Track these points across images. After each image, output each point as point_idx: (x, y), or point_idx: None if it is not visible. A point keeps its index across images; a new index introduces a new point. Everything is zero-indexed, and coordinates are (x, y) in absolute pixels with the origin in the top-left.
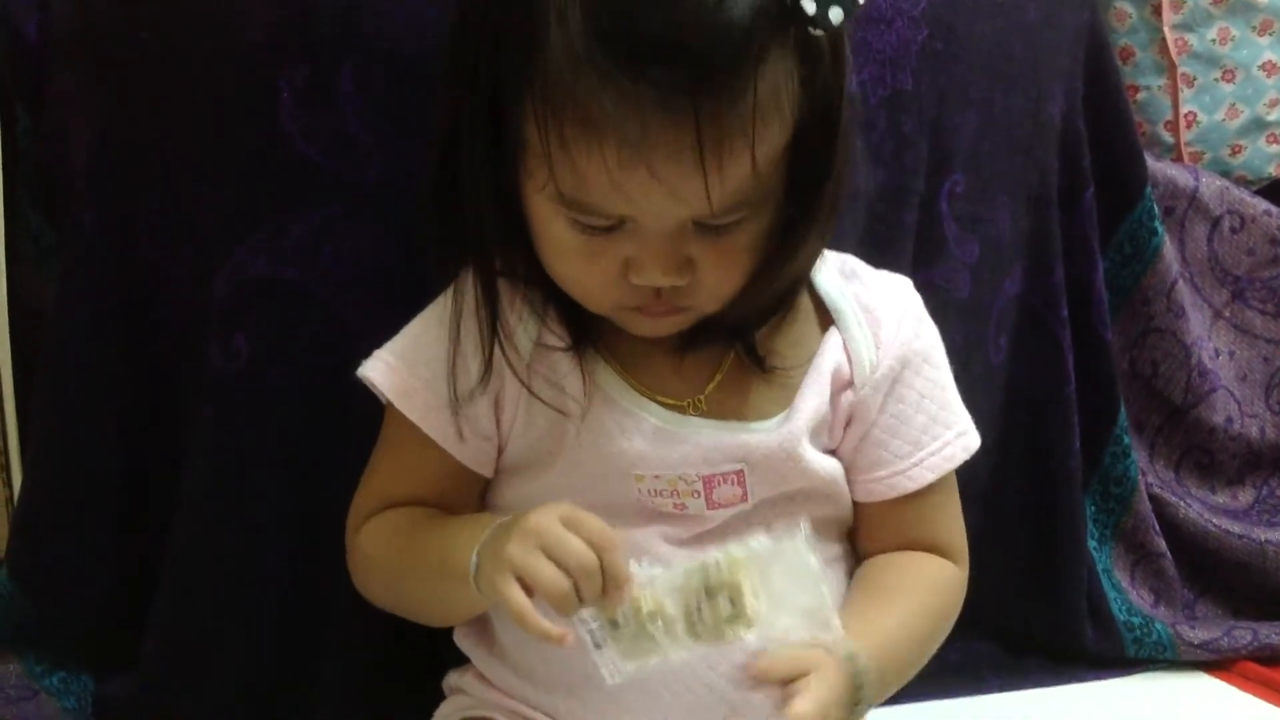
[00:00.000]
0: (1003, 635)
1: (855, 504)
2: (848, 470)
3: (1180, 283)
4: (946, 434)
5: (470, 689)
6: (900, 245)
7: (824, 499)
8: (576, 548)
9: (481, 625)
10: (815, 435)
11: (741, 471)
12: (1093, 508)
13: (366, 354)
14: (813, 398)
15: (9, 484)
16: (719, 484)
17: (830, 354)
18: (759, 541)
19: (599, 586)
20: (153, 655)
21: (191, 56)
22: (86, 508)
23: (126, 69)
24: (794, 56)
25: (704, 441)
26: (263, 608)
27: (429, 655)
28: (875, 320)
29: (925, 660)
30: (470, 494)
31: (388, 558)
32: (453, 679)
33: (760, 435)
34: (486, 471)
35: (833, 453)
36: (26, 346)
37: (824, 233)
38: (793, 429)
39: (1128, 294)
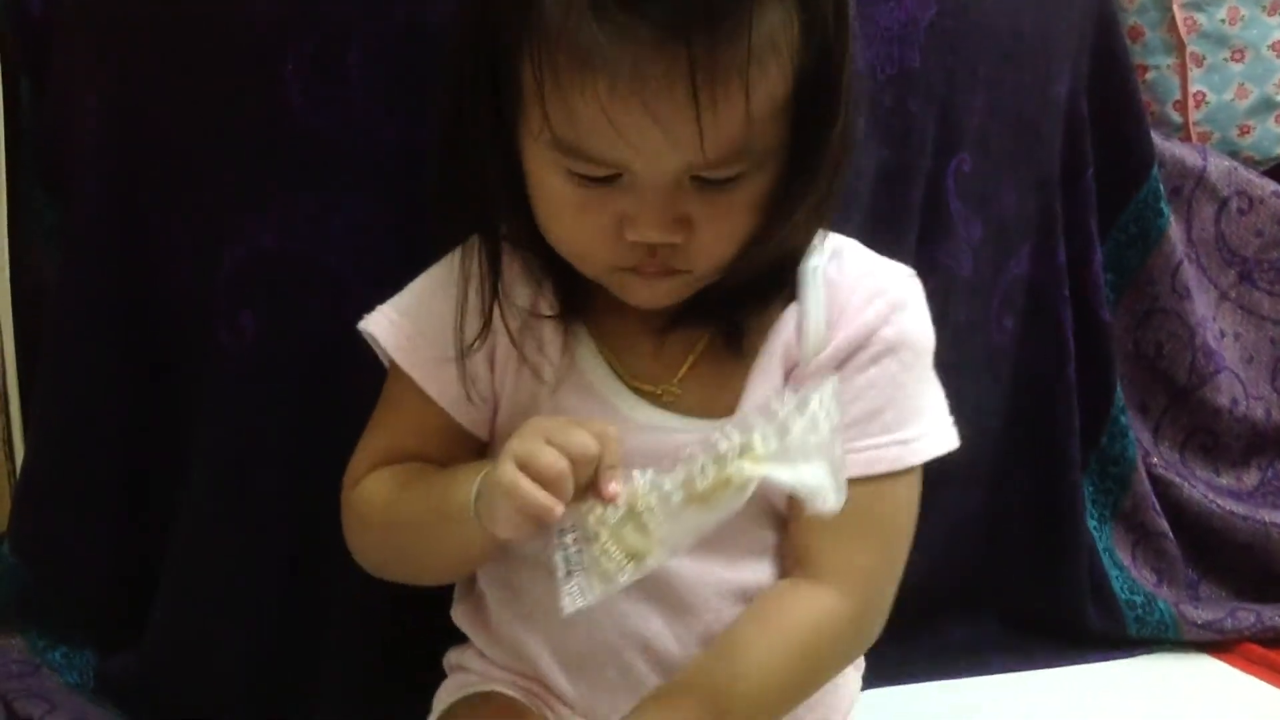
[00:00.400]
0: (1007, 615)
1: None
2: None
3: (1186, 263)
4: (882, 436)
5: (470, 665)
6: (905, 223)
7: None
8: (579, 436)
9: (477, 602)
10: None
11: None
12: (1091, 488)
13: None
14: (761, 385)
15: (11, 458)
16: None
17: (783, 332)
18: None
19: (593, 468)
20: (155, 634)
21: (198, 29)
22: (89, 482)
23: (132, 42)
24: (794, 4)
25: (664, 440)
26: (266, 586)
27: (429, 642)
28: (836, 300)
29: (796, 700)
30: (468, 457)
31: (384, 508)
32: (453, 657)
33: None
34: (482, 433)
35: None
36: (30, 322)
37: (823, 202)
38: None
39: (1133, 274)
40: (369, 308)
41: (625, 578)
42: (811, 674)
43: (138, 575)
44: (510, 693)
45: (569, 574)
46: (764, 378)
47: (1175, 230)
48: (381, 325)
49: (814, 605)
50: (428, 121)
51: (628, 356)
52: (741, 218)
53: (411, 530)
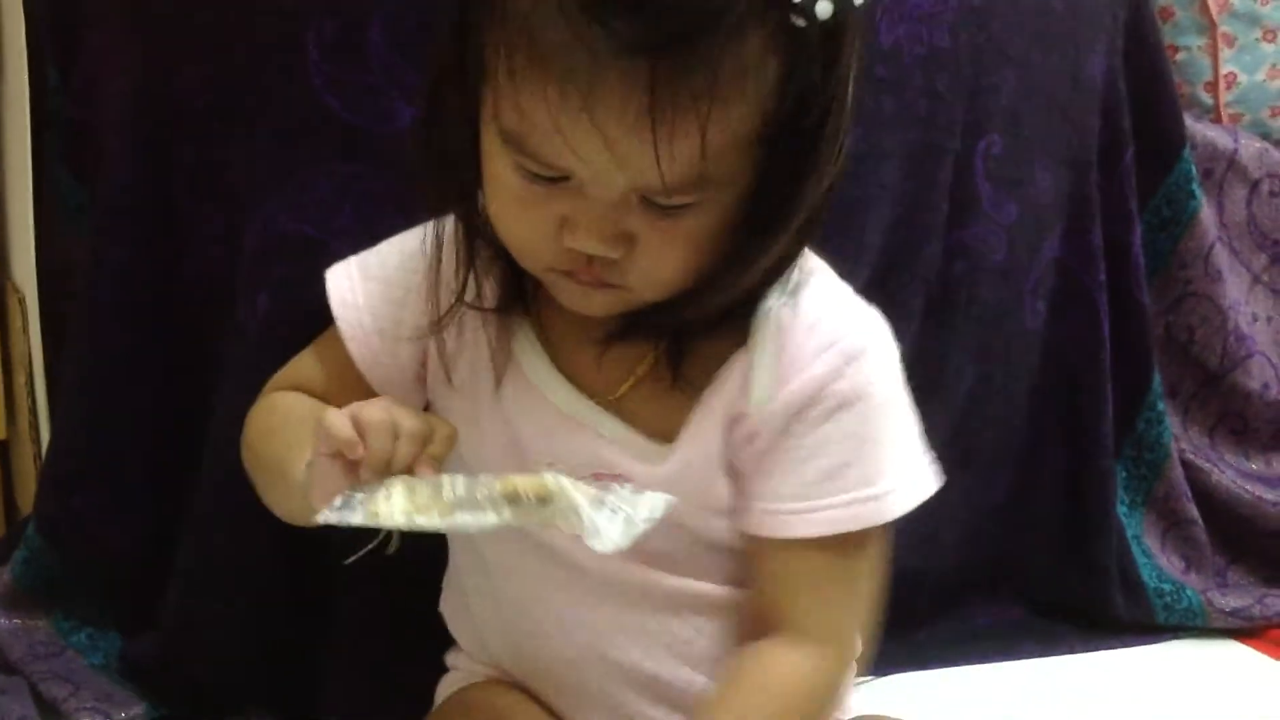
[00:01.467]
0: (1034, 601)
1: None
2: (741, 486)
3: (1218, 246)
4: (850, 494)
5: (463, 665)
6: (934, 205)
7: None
8: (417, 419)
9: (458, 600)
10: (705, 467)
11: (630, 480)
12: (1124, 474)
13: None
14: (704, 426)
15: (37, 440)
16: (607, 480)
17: (731, 378)
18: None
19: (416, 445)
20: (171, 616)
21: (223, 11)
22: (114, 464)
23: (158, 22)
24: (774, 44)
25: (599, 445)
26: (274, 570)
27: (441, 625)
28: (784, 349)
29: None
30: None
31: (263, 429)
32: (450, 657)
33: (651, 469)
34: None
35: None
36: (56, 304)
37: (787, 252)
38: (683, 462)
39: (1165, 258)
40: None
41: (392, 518)
42: None
43: (162, 557)
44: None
45: (344, 501)
46: (707, 419)
47: (1207, 213)
48: (336, 274)
49: (799, 665)
50: None
51: (569, 362)
52: (687, 245)
53: (268, 464)
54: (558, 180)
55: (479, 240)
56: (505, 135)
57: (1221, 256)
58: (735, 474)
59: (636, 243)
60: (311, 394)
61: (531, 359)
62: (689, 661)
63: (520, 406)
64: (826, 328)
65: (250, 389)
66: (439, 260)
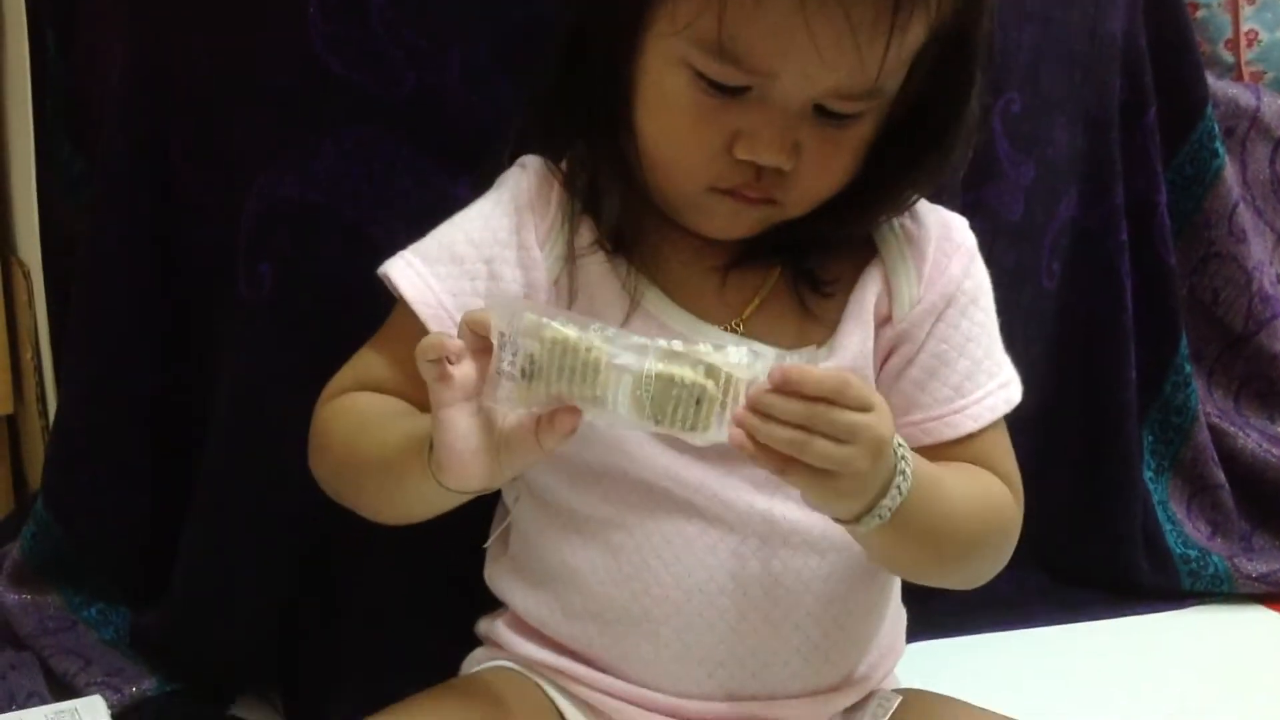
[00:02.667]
0: (1055, 568)
1: None
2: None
3: (1242, 206)
4: (989, 383)
5: (500, 637)
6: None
7: None
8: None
9: (512, 561)
10: (861, 370)
11: None
12: (1151, 438)
13: None
14: (856, 331)
15: (45, 414)
16: None
17: (871, 285)
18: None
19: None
20: (178, 590)
21: None
22: (119, 438)
23: None
24: None
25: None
26: (286, 542)
27: (462, 592)
28: (920, 254)
29: (966, 555)
30: None
31: (346, 433)
32: (483, 626)
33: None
34: None
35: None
36: (57, 277)
37: (940, 172)
38: (840, 363)
39: (1188, 218)
40: (386, 259)
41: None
42: (990, 543)
43: (171, 531)
44: (531, 676)
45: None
46: (857, 327)
47: (1230, 172)
48: (398, 268)
49: (1000, 487)
50: (453, 65)
51: (687, 294)
52: (847, 157)
53: (369, 464)
54: (737, 91)
55: (586, 182)
56: (706, 42)
57: (1245, 216)
58: (880, 387)
59: (802, 154)
60: (385, 393)
61: (650, 297)
62: (802, 602)
63: None
64: (948, 232)
65: (258, 362)
66: (572, 194)
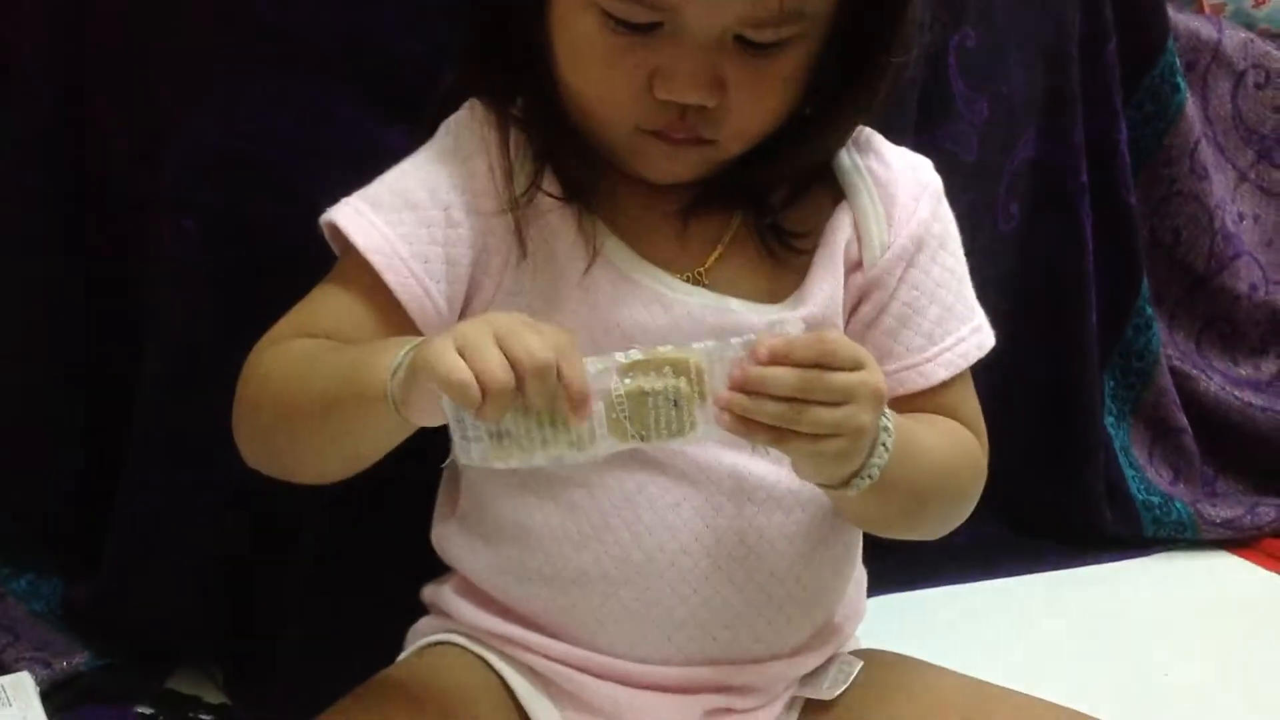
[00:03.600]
0: (1014, 518)
1: None
2: None
3: (1204, 143)
4: (961, 329)
5: (447, 604)
6: (904, 104)
7: None
8: (535, 343)
9: (461, 521)
10: (831, 319)
11: None
12: (1112, 383)
13: None
14: (826, 279)
15: None
16: None
17: (840, 231)
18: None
19: (548, 392)
20: (112, 562)
21: None
22: (43, 402)
23: None
24: None
25: (712, 319)
26: (224, 506)
27: (410, 558)
28: (889, 197)
29: (942, 506)
30: None
31: (290, 370)
32: (429, 592)
33: (771, 315)
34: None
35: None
36: None
37: (883, 95)
38: (810, 312)
39: (1149, 156)
40: (319, 210)
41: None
42: (960, 477)
43: (103, 499)
44: (480, 651)
45: (464, 438)
46: (827, 275)
47: (1192, 107)
48: (347, 216)
49: (966, 434)
50: (383, 9)
51: (648, 242)
52: (779, 88)
53: (314, 400)
54: (649, 28)
55: (532, 132)
56: None
57: (1207, 153)
58: (850, 337)
59: (728, 89)
60: (326, 338)
61: (611, 246)
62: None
63: (613, 298)
64: (915, 174)
65: (189, 320)
66: (498, 144)
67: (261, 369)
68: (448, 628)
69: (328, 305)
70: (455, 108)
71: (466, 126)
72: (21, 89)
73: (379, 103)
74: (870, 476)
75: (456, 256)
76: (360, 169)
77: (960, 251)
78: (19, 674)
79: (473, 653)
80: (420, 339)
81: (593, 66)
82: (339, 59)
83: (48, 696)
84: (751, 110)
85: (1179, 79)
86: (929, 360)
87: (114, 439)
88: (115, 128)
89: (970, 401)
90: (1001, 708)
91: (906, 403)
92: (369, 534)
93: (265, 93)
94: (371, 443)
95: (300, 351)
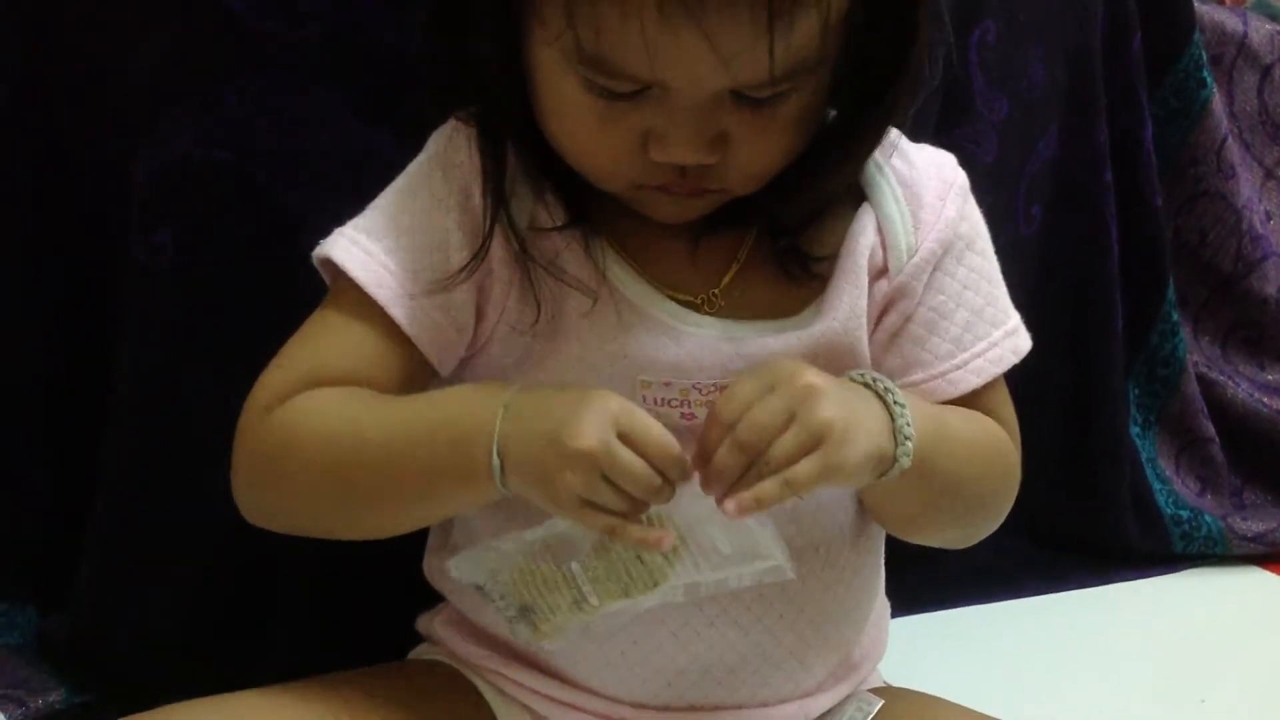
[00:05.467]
0: (1037, 533)
1: None
2: (885, 366)
3: (1230, 140)
4: (994, 333)
5: (440, 635)
6: (924, 103)
7: None
8: (642, 473)
9: (454, 554)
10: (852, 330)
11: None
12: (1136, 391)
13: (313, 244)
14: (848, 289)
15: None
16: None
17: (863, 236)
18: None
19: (666, 495)
20: (85, 592)
21: None
22: (10, 421)
23: None
24: None
25: (723, 347)
26: (204, 532)
27: (405, 588)
28: (915, 197)
29: (980, 496)
30: (415, 389)
31: (333, 430)
32: (422, 622)
33: (787, 338)
34: (445, 369)
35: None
36: None
37: (891, 123)
38: (830, 326)
39: (1174, 154)
40: (306, 220)
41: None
42: (992, 468)
43: (79, 524)
44: (471, 678)
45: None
46: (850, 284)
47: (1218, 103)
48: (342, 248)
49: (1001, 433)
50: (365, 3)
51: (658, 265)
52: (785, 133)
53: (369, 466)
54: (638, 92)
55: (526, 155)
56: (581, 55)
57: (1234, 151)
58: (870, 346)
59: (730, 142)
60: (337, 382)
61: (616, 274)
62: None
63: (620, 328)
64: (946, 170)
65: (163, 338)
66: (486, 175)
67: (284, 433)
68: (442, 655)
69: (336, 346)
70: (444, 114)
71: (453, 144)
72: None
73: (363, 104)
74: (908, 437)
75: (457, 284)
76: (346, 180)
77: (989, 250)
78: None
79: (464, 677)
80: (505, 403)
81: (580, 131)
82: (318, 57)
83: None
84: (757, 158)
85: (1205, 73)
86: (958, 367)
87: (87, 458)
88: (81, 131)
89: (1005, 409)
90: None
91: None
92: (359, 562)
93: (240, 96)
94: (450, 508)
95: (337, 412)
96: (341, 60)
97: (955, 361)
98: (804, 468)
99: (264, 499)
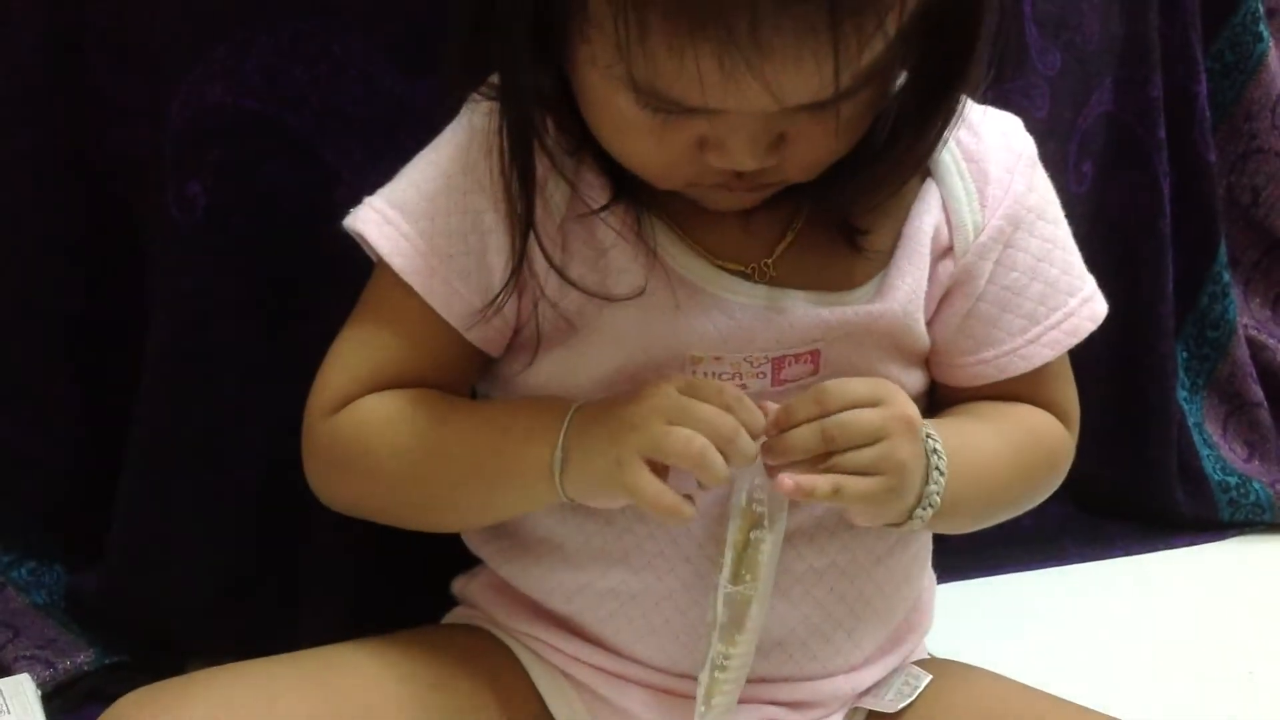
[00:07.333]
0: (1082, 498)
1: (943, 386)
2: (943, 352)
3: None
4: (1070, 302)
5: (477, 599)
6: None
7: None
8: (708, 412)
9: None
10: (911, 306)
11: (817, 350)
12: (1184, 354)
13: (348, 199)
14: (909, 269)
15: None
16: (790, 364)
17: (927, 214)
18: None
19: (749, 447)
20: (116, 550)
21: None
22: (39, 376)
23: None
24: None
25: (777, 319)
26: (236, 488)
27: (432, 548)
28: (981, 173)
29: (1009, 505)
30: (471, 374)
31: (400, 446)
32: (459, 585)
33: (842, 311)
34: (495, 351)
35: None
36: None
37: (964, 92)
38: (888, 307)
39: (1228, 110)
40: (341, 173)
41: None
42: (1037, 483)
43: (107, 480)
44: (506, 640)
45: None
46: (910, 263)
47: (1275, 57)
48: (374, 224)
49: (1050, 422)
50: None
51: (706, 236)
52: (847, 129)
53: (443, 482)
54: (691, 110)
55: (562, 130)
56: (633, 85)
57: None
58: (936, 326)
59: (790, 141)
60: (404, 384)
61: (666, 246)
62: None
63: (670, 303)
64: (1006, 141)
65: (196, 291)
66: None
67: (351, 443)
68: (478, 619)
69: (387, 343)
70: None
71: (479, 128)
72: (8, 34)
73: (401, 54)
74: (931, 505)
75: (494, 265)
76: (381, 133)
77: (1060, 216)
78: (18, 677)
79: (504, 645)
80: (564, 428)
81: (632, 140)
82: (355, 2)
83: (50, 699)
84: (820, 153)
85: (1261, 27)
86: (1032, 342)
87: (117, 413)
88: (111, 78)
89: (1063, 378)
90: None
91: (1003, 386)
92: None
93: (274, 42)
94: (523, 507)
95: (407, 422)
96: (379, 6)
97: (1029, 336)
98: (860, 486)
99: (334, 498)
